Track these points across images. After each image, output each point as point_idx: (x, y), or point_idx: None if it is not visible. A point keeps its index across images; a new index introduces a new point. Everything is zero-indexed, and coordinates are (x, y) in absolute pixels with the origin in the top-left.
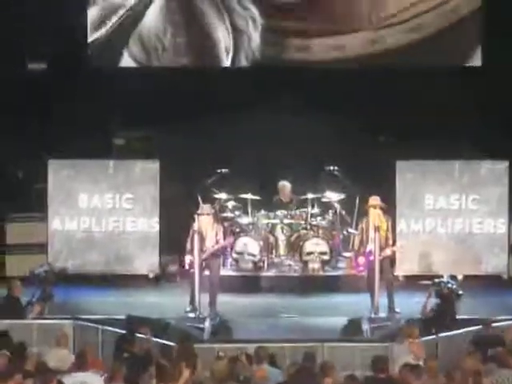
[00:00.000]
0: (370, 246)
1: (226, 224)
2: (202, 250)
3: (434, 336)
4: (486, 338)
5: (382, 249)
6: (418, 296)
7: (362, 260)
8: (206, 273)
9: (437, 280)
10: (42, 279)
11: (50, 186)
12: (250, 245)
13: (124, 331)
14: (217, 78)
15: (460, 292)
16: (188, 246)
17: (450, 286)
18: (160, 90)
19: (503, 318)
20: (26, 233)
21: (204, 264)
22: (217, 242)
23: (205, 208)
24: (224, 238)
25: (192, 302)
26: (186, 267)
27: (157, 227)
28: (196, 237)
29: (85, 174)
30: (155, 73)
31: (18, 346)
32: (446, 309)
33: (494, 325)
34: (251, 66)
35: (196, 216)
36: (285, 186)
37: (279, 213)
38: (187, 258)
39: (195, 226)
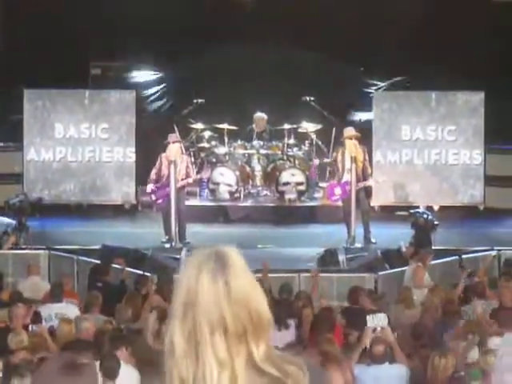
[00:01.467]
0: (346, 177)
1: (202, 154)
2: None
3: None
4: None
5: (358, 179)
6: (393, 227)
7: (338, 190)
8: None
9: (412, 211)
10: (17, 209)
11: (26, 116)
12: (226, 175)
13: (99, 261)
14: (195, 6)
15: (436, 222)
16: (153, 175)
17: (425, 216)
18: (137, 19)
19: (480, 248)
20: (1, 163)
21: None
22: (187, 174)
23: (172, 136)
24: (197, 170)
25: (167, 232)
26: (153, 198)
27: (133, 157)
28: (172, 166)
29: (61, 103)
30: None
31: None
32: (421, 239)
33: (471, 255)
34: None
35: (168, 145)
36: (260, 117)
37: (256, 143)
38: (149, 187)
39: (164, 154)
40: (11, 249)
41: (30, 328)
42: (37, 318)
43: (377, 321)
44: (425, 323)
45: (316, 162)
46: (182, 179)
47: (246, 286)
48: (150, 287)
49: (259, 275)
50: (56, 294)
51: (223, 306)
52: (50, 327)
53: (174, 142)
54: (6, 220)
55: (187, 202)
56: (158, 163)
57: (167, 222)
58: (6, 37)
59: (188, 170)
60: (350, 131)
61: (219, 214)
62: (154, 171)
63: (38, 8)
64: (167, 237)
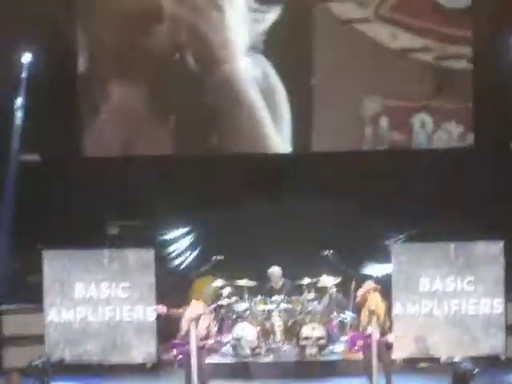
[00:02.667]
0: (369, 330)
1: (222, 311)
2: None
3: None
4: None
5: (381, 333)
6: (415, 379)
7: (360, 342)
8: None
9: (449, 360)
10: (39, 370)
11: (46, 277)
12: (247, 330)
13: None
14: (205, 166)
15: (475, 371)
16: (182, 330)
17: (465, 364)
18: (150, 179)
19: None
20: (22, 324)
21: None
22: (207, 335)
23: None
24: (218, 329)
25: None
26: (175, 353)
27: (153, 316)
28: (193, 323)
29: (80, 263)
30: (146, 162)
31: None
32: None
33: None
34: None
35: (192, 300)
36: (273, 272)
37: (276, 298)
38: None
39: (189, 309)
40: None
41: None
42: None
43: None
44: None
45: (336, 318)
46: (202, 339)
47: None
48: None
49: None
50: None
51: None
52: None
53: (196, 299)
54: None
55: (208, 359)
56: (183, 315)
57: (188, 380)
58: (22, 199)
59: (209, 329)
60: (369, 284)
61: (241, 371)
62: (183, 321)
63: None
64: None
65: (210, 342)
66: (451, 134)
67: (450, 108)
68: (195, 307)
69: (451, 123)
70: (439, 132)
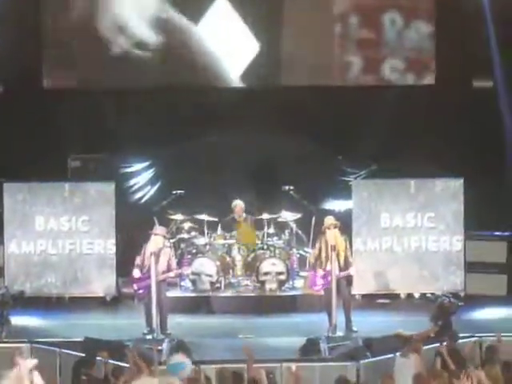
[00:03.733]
0: (328, 266)
1: (182, 245)
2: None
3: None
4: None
5: (341, 268)
6: (375, 315)
7: (320, 280)
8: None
9: (434, 295)
10: None
11: (6, 210)
12: (206, 265)
13: (82, 354)
14: (172, 98)
15: (460, 303)
16: (137, 261)
17: (449, 298)
18: (115, 112)
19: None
20: None
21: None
22: (168, 268)
23: (159, 229)
24: (178, 263)
25: (149, 323)
26: (135, 288)
27: (113, 249)
28: (153, 258)
29: (40, 196)
30: (109, 94)
31: None
32: (445, 323)
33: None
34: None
35: (152, 236)
36: (237, 204)
37: (235, 233)
38: (135, 272)
39: (149, 245)
40: None
41: None
42: None
43: None
44: None
45: (296, 253)
46: (164, 272)
47: None
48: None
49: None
50: None
51: None
52: None
53: (155, 235)
54: None
55: (168, 293)
56: (142, 252)
57: (148, 313)
58: None
59: (170, 263)
60: (329, 220)
61: (200, 305)
62: (139, 258)
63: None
64: (149, 328)
65: (171, 274)
66: (419, 32)
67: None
68: (155, 242)
69: (420, 22)
70: (408, 30)
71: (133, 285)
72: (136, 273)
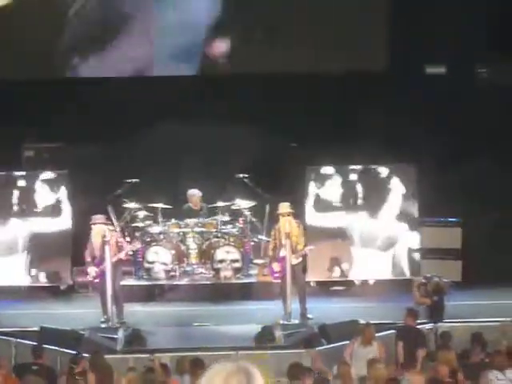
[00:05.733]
0: (282, 253)
1: (137, 234)
2: (103, 259)
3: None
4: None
5: (294, 254)
6: (329, 301)
7: (276, 266)
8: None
9: (426, 276)
10: None
11: None
12: (161, 254)
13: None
14: (126, 87)
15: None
16: (87, 257)
17: (441, 280)
18: (69, 100)
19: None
20: None
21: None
22: (119, 249)
23: (97, 218)
24: (127, 244)
25: (105, 312)
26: (90, 278)
27: (68, 238)
28: (106, 247)
29: None
30: (66, 83)
31: None
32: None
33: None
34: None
35: (92, 226)
36: (194, 193)
37: (190, 221)
38: (90, 270)
39: (92, 235)
40: None
41: None
42: None
43: None
44: None
45: (250, 241)
46: (115, 254)
47: None
48: (85, 367)
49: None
50: None
51: None
52: None
53: (95, 224)
54: None
55: (124, 282)
56: (88, 244)
57: (104, 301)
58: None
59: (119, 245)
60: (283, 207)
61: (155, 293)
62: (87, 252)
63: None
64: (105, 316)
65: (121, 255)
66: None
67: None
68: (97, 231)
69: None
70: None
71: (86, 275)
72: (89, 265)
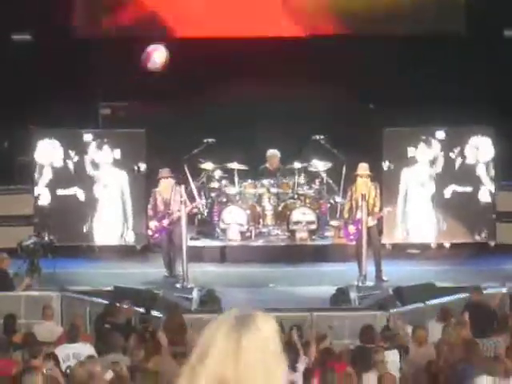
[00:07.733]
0: (358, 215)
1: (212, 194)
2: (168, 214)
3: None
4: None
5: (369, 216)
6: (404, 264)
7: (352, 229)
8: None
9: None
10: (30, 251)
11: (37, 158)
12: (237, 214)
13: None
14: (205, 49)
15: None
16: (150, 211)
17: None
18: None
19: (491, 285)
20: (12, 205)
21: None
22: (182, 204)
23: (164, 171)
24: (209, 214)
25: (167, 267)
26: (150, 233)
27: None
28: (182, 206)
29: (72, 143)
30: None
31: (9, 317)
32: None
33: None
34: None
35: (160, 181)
36: (274, 154)
37: (266, 182)
38: (151, 224)
39: (157, 190)
40: (24, 291)
41: (44, 371)
42: (53, 360)
43: None
44: (440, 362)
45: (327, 203)
46: (179, 210)
47: (260, 351)
48: (158, 326)
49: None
50: (72, 335)
51: (228, 365)
52: (67, 367)
53: (164, 178)
54: (17, 262)
55: (198, 242)
56: (151, 199)
57: (164, 257)
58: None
59: (182, 199)
60: (362, 168)
61: (230, 254)
62: (149, 207)
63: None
64: (168, 271)
65: (188, 208)
66: None
67: None
68: (165, 185)
69: None
70: None
71: (147, 231)
72: (153, 225)
